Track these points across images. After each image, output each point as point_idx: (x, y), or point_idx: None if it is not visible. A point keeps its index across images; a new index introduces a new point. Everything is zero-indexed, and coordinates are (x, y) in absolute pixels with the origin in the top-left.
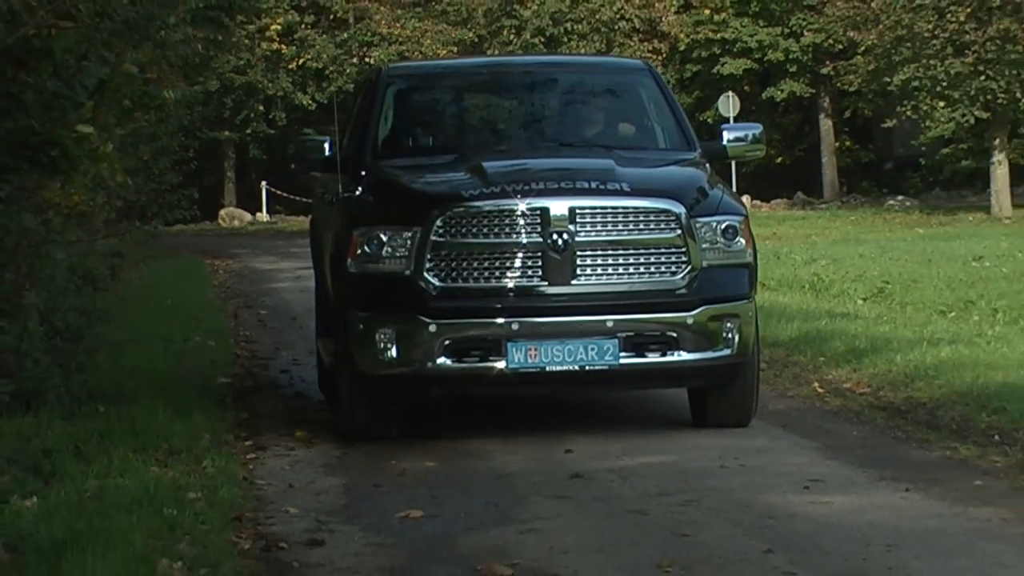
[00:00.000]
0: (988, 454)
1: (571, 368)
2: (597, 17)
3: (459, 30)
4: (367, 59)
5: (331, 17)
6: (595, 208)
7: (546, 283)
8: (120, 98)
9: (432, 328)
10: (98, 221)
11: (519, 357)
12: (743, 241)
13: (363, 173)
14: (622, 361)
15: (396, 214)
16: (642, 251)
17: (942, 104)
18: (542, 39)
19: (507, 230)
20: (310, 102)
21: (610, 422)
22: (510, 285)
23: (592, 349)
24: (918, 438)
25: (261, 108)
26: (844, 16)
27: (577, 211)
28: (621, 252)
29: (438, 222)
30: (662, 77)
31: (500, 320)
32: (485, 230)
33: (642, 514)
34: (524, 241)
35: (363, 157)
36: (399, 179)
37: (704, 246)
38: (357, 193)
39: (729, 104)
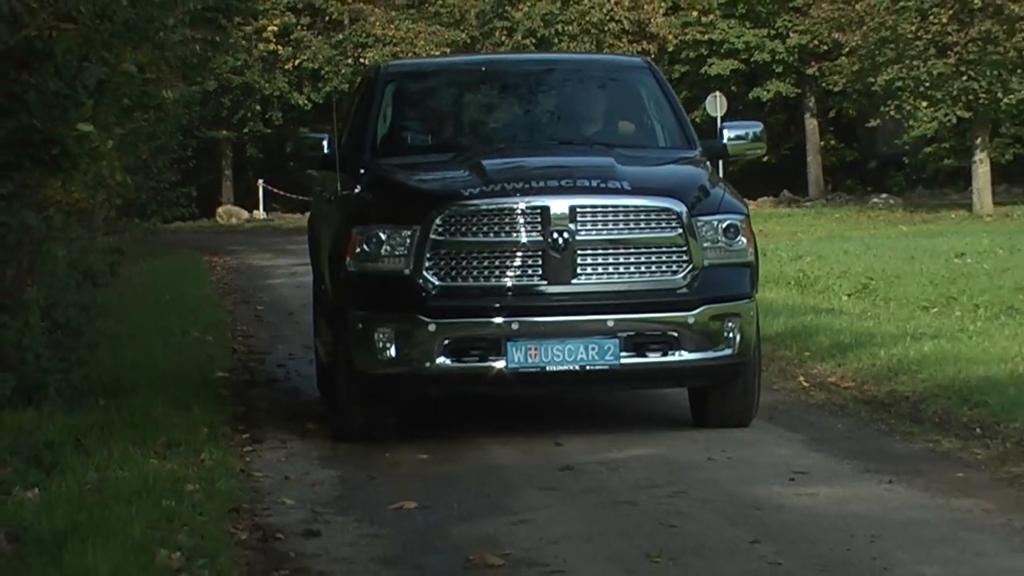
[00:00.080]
0: (970, 446)
1: (571, 368)
2: (587, 19)
3: (452, 31)
4: (362, 60)
5: (326, 19)
6: (596, 207)
7: (546, 282)
8: (119, 98)
9: (431, 327)
10: (98, 218)
11: (519, 357)
12: (744, 240)
13: (362, 171)
14: (623, 361)
15: (395, 212)
16: (643, 250)
17: (925, 104)
18: (533, 40)
19: (507, 229)
20: (306, 102)
21: (599, 415)
22: (510, 284)
23: (592, 349)
24: (901, 431)
25: (258, 108)
26: (829, 18)
27: (577, 210)
28: (622, 251)
29: (437, 221)
30: (663, 75)
31: (500, 319)
32: (485, 229)
33: (631, 505)
34: (524, 240)
35: (362, 155)
36: (398, 177)
37: (705, 245)
38: (356, 191)
39: (716, 104)
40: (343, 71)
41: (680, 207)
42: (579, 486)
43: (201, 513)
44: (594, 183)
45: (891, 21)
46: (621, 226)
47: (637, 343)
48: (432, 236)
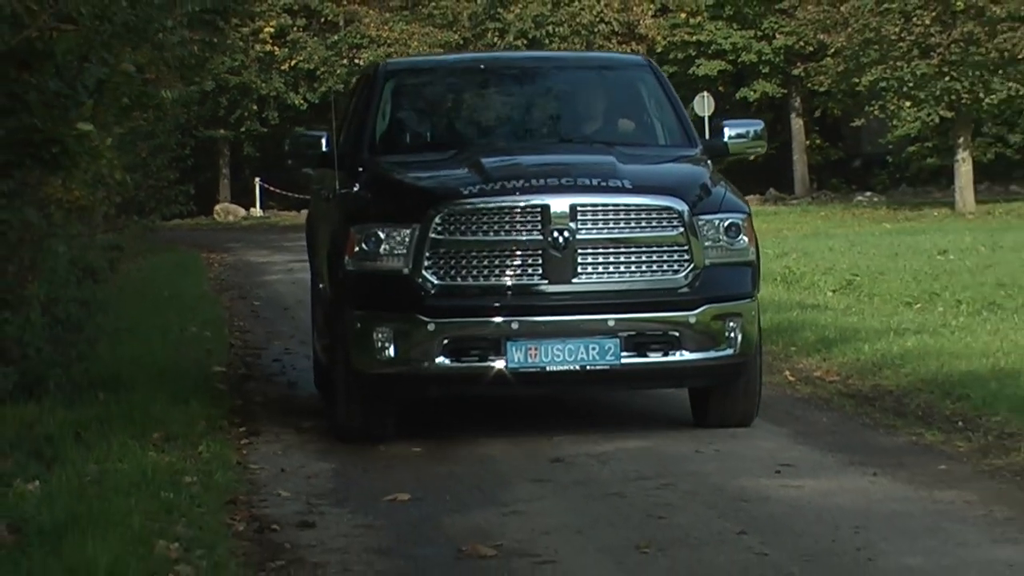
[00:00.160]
0: (952, 439)
1: (572, 368)
2: (577, 20)
3: (445, 32)
4: (357, 60)
5: (322, 20)
6: (596, 205)
7: (546, 281)
8: (119, 97)
9: (430, 327)
10: (98, 216)
11: (519, 357)
12: (746, 239)
13: (360, 169)
14: (623, 361)
15: (394, 211)
16: (644, 249)
17: (908, 104)
18: (524, 41)
19: (507, 227)
20: (302, 102)
21: (590, 409)
22: (510, 283)
23: (593, 349)
24: (885, 424)
25: (255, 107)
26: (815, 19)
27: (578, 208)
28: (623, 250)
29: (437, 219)
30: (663, 73)
31: (499, 319)
32: (484, 227)
33: (620, 497)
34: (524, 239)
35: (360, 153)
36: (397, 175)
37: (707, 244)
38: (354, 190)
39: (704, 104)
40: (338, 71)
41: (681, 206)
42: (570, 478)
43: (199, 505)
44: (595, 181)
45: (875, 23)
46: (622, 225)
47: (638, 343)
48: (431, 235)
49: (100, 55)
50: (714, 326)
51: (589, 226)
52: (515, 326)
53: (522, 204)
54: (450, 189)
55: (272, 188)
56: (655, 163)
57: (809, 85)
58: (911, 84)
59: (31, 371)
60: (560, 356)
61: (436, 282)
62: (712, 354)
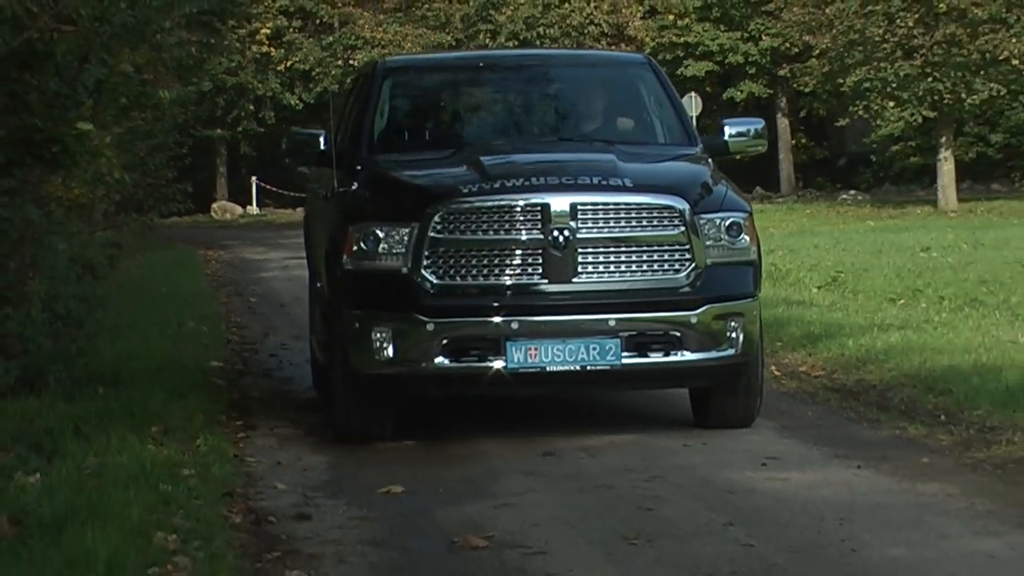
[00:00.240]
0: (935, 433)
1: (572, 368)
2: (568, 22)
3: (437, 34)
4: (351, 62)
5: (317, 22)
6: (597, 204)
7: (546, 281)
8: (118, 97)
9: (430, 327)
10: (97, 213)
11: (519, 357)
12: (747, 238)
13: (359, 168)
14: (624, 361)
15: (393, 210)
16: (645, 248)
17: (892, 104)
18: (516, 43)
19: (506, 226)
20: (297, 102)
21: (580, 404)
22: (509, 283)
23: (594, 349)
24: (869, 418)
25: (251, 107)
26: (800, 21)
27: (578, 207)
28: (623, 249)
29: (436, 218)
30: (663, 72)
31: (499, 319)
32: (484, 226)
33: (609, 490)
34: (524, 238)
35: (359, 151)
36: (396, 174)
37: (708, 243)
38: (353, 188)
39: (692, 104)
40: (333, 72)
41: (682, 204)
42: (560, 471)
43: (196, 497)
44: (595, 180)
45: (859, 25)
46: (623, 224)
47: (639, 343)
48: (430, 234)
49: (99, 56)
50: (715, 326)
51: (589, 225)
52: (515, 326)
53: (522, 203)
54: (449, 188)
55: (268, 186)
56: (656, 162)
57: (795, 86)
58: (895, 85)
59: (32, 366)
60: (560, 356)
61: (435, 281)
62: (713, 354)
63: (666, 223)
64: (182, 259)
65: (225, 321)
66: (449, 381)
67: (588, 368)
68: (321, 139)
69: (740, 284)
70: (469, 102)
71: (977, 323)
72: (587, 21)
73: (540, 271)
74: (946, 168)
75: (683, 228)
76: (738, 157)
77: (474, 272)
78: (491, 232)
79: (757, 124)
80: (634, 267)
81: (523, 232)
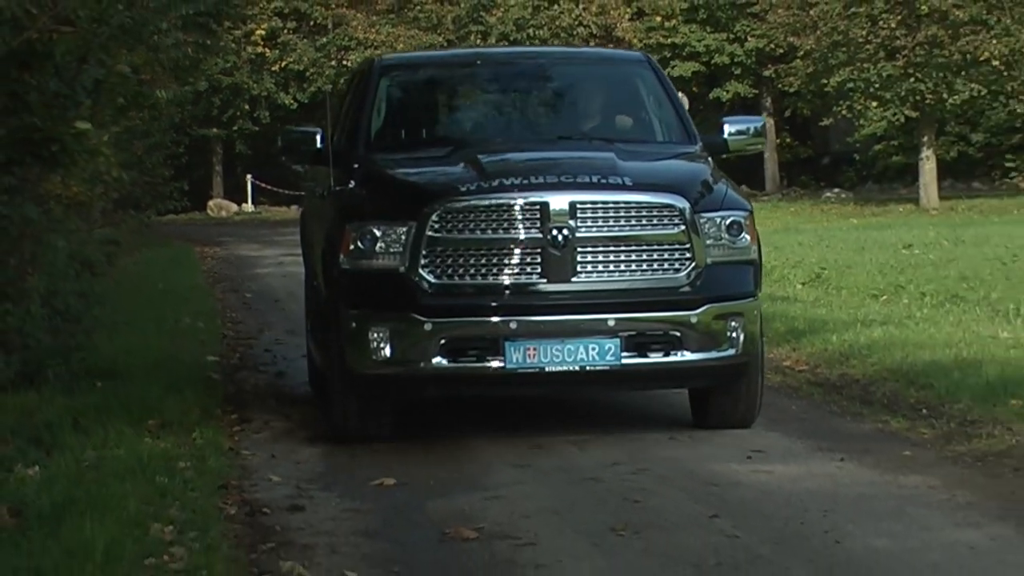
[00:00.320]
0: (916, 426)
1: (571, 368)
2: (557, 23)
3: (429, 35)
4: (344, 62)
5: (311, 23)
6: (596, 203)
7: (545, 280)
8: (116, 97)
9: (427, 327)
10: (96, 211)
11: (517, 357)
12: (748, 237)
13: (356, 166)
14: (624, 361)
15: (390, 209)
16: (644, 247)
17: (875, 104)
18: (506, 43)
19: (505, 225)
20: (292, 102)
21: (569, 397)
22: (508, 282)
23: (593, 349)
24: (852, 412)
25: (246, 107)
26: (785, 23)
27: (577, 206)
28: (623, 248)
29: (433, 217)
30: (662, 70)
31: (498, 319)
32: (482, 225)
33: (598, 482)
34: (522, 237)
35: (355, 150)
36: (393, 172)
37: (708, 242)
38: (349, 187)
39: None
40: (327, 72)
41: (683, 203)
42: (549, 464)
43: (192, 489)
44: (594, 179)
45: (843, 26)
46: (622, 223)
47: (639, 343)
48: (428, 233)
49: (98, 57)
50: (716, 326)
51: (589, 224)
52: (513, 326)
53: (520, 202)
54: (447, 186)
55: (263, 184)
56: (655, 160)
57: (779, 86)
58: (877, 85)
59: (31, 361)
60: (559, 356)
61: (433, 281)
62: (714, 354)
63: (666, 222)
64: (179, 256)
65: (221, 317)
66: (447, 381)
67: (587, 368)
68: (317, 137)
69: (741, 284)
70: (467, 100)
71: (958, 319)
72: (576, 23)
73: (539, 270)
74: (928, 167)
75: (683, 227)
76: (723, 156)
77: (472, 271)
78: (489, 231)
79: (757, 122)
80: (634, 266)
81: (522, 231)
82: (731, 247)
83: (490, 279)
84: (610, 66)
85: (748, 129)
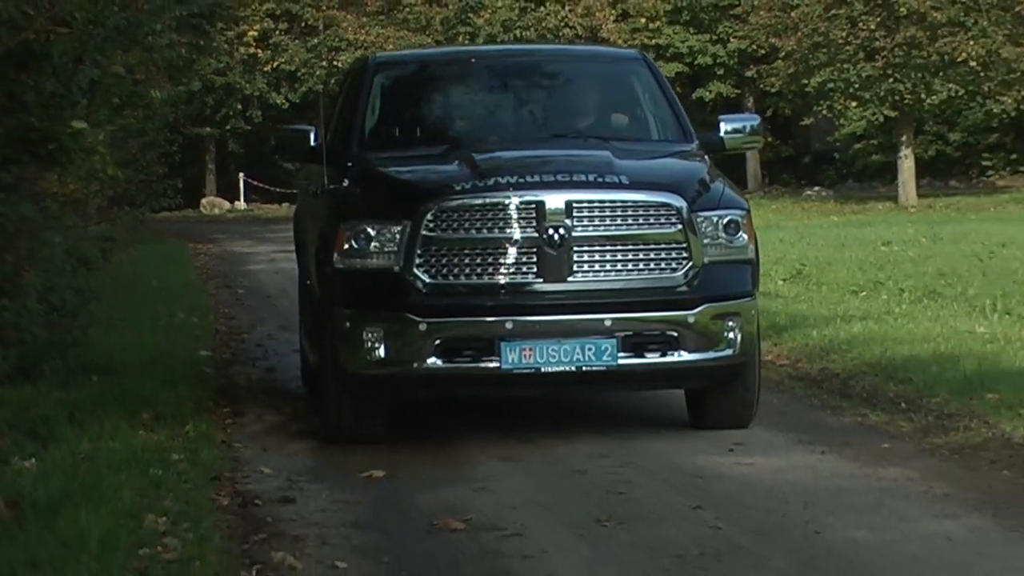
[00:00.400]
0: (895, 420)
1: (567, 369)
2: (543, 25)
3: (419, 36)
4: (335, 63)
5: (302, 24)
6: (592, 202)
7: (541, 280)
8: (111, 97)
9: (422, 327)
10: (91, 208)
11: (513, 357)
12: (745, 236)
13: (350, 165)
14: (620, 362)
15: (384, 208)
16: (641, 247)
17: (854, 104)
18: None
19: (500, 224)
20: (283, 101)
21: (563, 397)
22: (503, 282)
23: (589, 349)
24: (832, 405)
25: (239, 107)
26: (766, 24)
27: (574, 205)
28: (620, 248)
29: (428, 216)
30: (658, 67)
31: (493, 319)
32: (477, 224)
33: (583, 474)
34: (518, 236)
35: (349, 148)
36: (387, 171)
37: (705, 241)
38: (343, 185)
39: None
40: (318, 73)
41: (680, 202)
42: (535, 457)
43: (186, 481)
44: (591, 177)
45: (824, 27)
46: (619, 222)
47: (635, 343)
48: (423, 232)
49: (93, 57)
50: (713, 326)
51: (585, 223)
52: (509, 326)
53: (516, 200)
54: (442, 185)
55: (255, 182)
56: (652, 158)
57: (761, 86)
58: (857, 85)
59: (28, 355)
60: (555, 357)
61: (428, 280)
62: (711, 354)
63: (663, 221)
64: (172, 253)
65: (214, 312)
66: (442, 382)
67: (584, 369)
68: (310, 135)
69: (738, 283)
70: (461, 98)
71: (936, 314)
72: (562, 24)
73: (535, 270)
74: (906, 165)
75: (680, 226)
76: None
77: (467, 271)
78: (484, 230)
79: (753, 121)
80: (630, 266)
81: (517, 230)
82: (728, 246)
83: (485, 279)
84: (606, 64)
85: (744, 127)
